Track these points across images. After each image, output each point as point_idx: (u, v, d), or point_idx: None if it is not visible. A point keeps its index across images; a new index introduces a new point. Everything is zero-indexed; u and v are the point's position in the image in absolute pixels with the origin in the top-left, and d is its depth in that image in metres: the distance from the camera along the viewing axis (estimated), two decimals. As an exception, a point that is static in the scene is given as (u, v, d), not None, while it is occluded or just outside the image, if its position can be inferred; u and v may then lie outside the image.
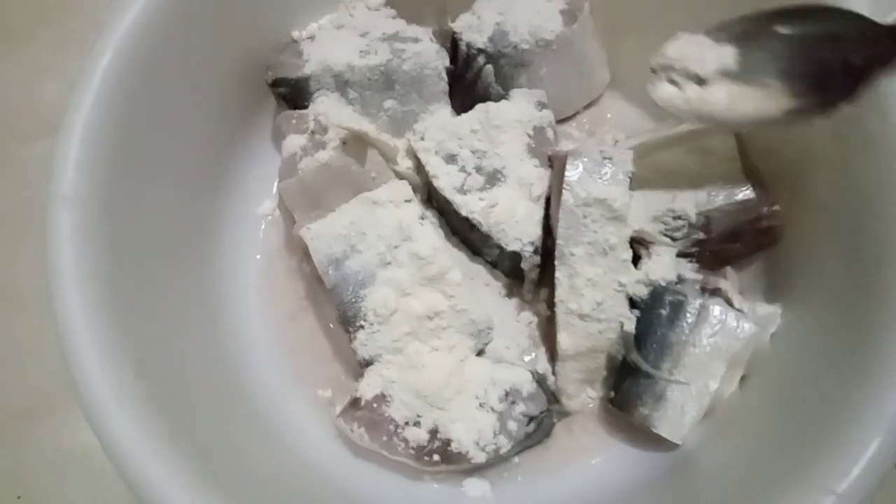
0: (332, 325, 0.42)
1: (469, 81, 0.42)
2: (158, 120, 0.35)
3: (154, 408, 0.29)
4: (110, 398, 0.28)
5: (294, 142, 0.39)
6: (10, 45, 0.51)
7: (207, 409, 0.34)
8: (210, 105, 0.39)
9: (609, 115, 0.46)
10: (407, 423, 0.36)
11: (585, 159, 0.36)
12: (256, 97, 0.43)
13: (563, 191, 0.36)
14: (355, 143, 0.39)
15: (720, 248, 0.38)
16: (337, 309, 0.37)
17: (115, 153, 0.32)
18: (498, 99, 0.41)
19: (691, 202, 0.36)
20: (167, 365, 0.32)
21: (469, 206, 0.39)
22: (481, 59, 0.41)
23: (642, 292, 0.37)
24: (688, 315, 0.36)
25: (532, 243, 0.38)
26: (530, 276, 0.40)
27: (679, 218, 0.37)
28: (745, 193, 0.36)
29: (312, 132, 0.39)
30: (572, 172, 0.36)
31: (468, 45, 0.41)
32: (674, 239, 0.37)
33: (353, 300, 0.37)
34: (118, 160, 0.32)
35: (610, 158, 0.36)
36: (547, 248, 0.39)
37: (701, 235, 0.37)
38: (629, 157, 0.36)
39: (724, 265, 0.38)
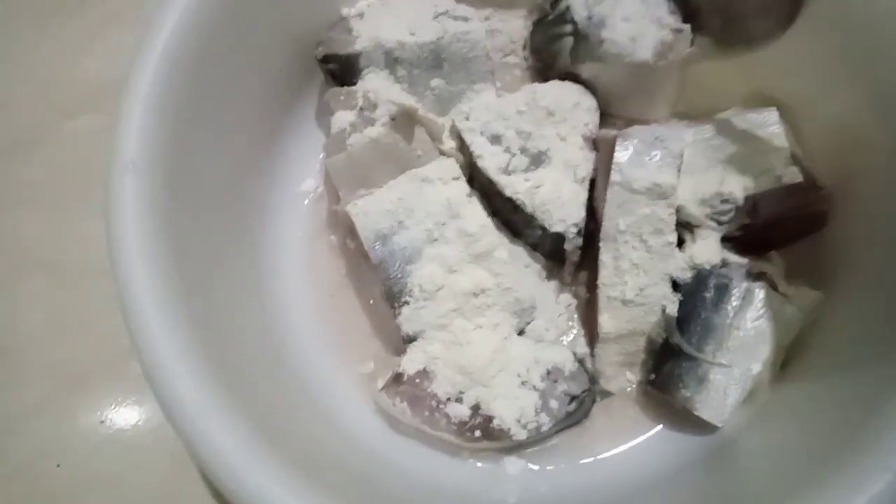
0: (371, 302, 0.42)
1: (549, 38, 0.42)
2: (213, 93, 0.36)
3: (212, 370, 0.29)
4: (172, 360, 0.28)
5: (343, 118, 0.40)
6: (52, 22, 0.51)
7: (256, 376, 0.34)
8: (260, 81, 0.40)
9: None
10: (449, 399, 0.37)
11: (636, 140, 0.36)
12: (303, 75, 0.43)
13: (612, 172, 0.36)
14: (404, 121, 0.39)
15: (766, 232, 0.38)
16: (383, 284, 0.38)
17: (174, 124, 0.32)
18: (561, 72, 0.41)
19: (739, 186, 0.37)
20: (221, 332, 0.33)
21: (514, 186, 0.39)
22: (568, 29, 0.40)
23: (686, 275, 0.37)
24: (732, 298, 0.36)
25: (576, 225, 0.38)
26: (572, 258, 0.40)
27: (727, 202, 0.37)
28: (794, 178, 0.36)
29: (361, 108, 0.39)
30: (622, 154, 0.36)
31: (568, 8, 0.40)
32: (720, 223, 0.37)
33: (400, 276, 0.37)
34: (177, 131, 0.33)
35: (662, 140, 0.36)
36: (589, 231, 0.39)
37: (747, 220, 0.37)
38: (681, 141, 0.36)
39: (768, 250, 0.38)
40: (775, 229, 0.38)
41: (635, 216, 0.36)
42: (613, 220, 0.37)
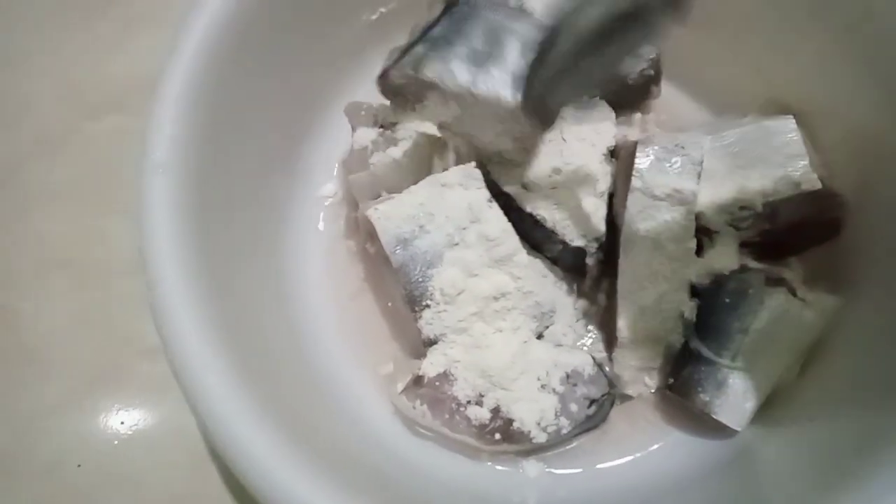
0: (390, 305, 0.42)
1: None
2: (242, 96, 0.36)
3: (239, 368, 0.29)
4: (201, 357, 0.29)
5: (365, 135, 0.40)
6: (78, 23, 0.52)
7: (280, 375, 0.35)
8: (288, 85, 0.40)
9: (666, 109, 0.45)
10: (469, 402, 0.37)
11: (656, 147, 0.37)
12: (328, 83, 0.44)
13: (633, 178, 0.37)
14: (425, 143, 0.40)
15: (785, 238, 0.38)
16: (404, 288, 0.38)
17: (204, 125, 0.33)
18: None
19: (758, 193, 0.37)
20: (246, 331, 0.33)
21: (533, 202, 0.39)
22: None
23: (704, 281, 0.38)
24: (751, 303, 0.37)
25: (597, 239, 0.39)
26: (592, 272, 0.40)
27: (745, 208, 0.37)
28: (813, 185, 0.37)
29: (382, 126, 0.40)
30: (642, 160, 0.37)
31: None
32: (738, 229, 0.38)
33: (421, 280, 0.38)
34: (207, 132, 0.33)
35: (682, 147, 0.36)
36: (609, 243, 0.40)
37: (767, 226, 0.37)
38: (701, 148, 0.37)
39: (786, 255, 0.39)
40: (793, 235, 0.38)
41: (655, 222, 0.37)
42: (633, 226, 0.37)
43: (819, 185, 0.36)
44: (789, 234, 0.38)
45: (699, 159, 0.36)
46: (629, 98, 0.43)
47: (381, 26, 0.44)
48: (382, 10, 0.44)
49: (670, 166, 0.36)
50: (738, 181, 0.37)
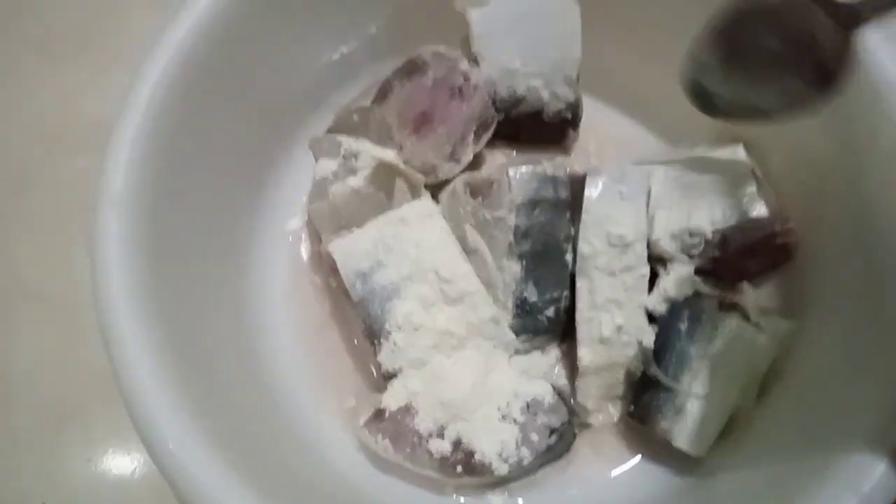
0: (356, 342, 0.43)
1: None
2: (201, 133, 0.37)
3: (196, 408, 0.30)
4: (156, 399, 0.29)
5: (326, 166, 0.41)
6: (54, 65, 0.53)
7: (242, 413, 0.35)
8: (248, 123, 0.41)
9: (619, 139, 0.47)
10: (430, 435, 0.37)
11: (605, 178, 0.37)
12: (291, 120, 0.45)
13: (583, 209, 0.37)
14: (384, 173, 0.41)
15: (736, 264, 0.39)
16: (363, 322, 0.39)
17: (161, 162, 0.34)
18: None
19: (707, 220, 0.38)
20: (205, 369, 0.33)
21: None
22: None
23: (661, 308, 0.38)
24: (705, 329, 0.37)
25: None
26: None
27: (696, 236, 0.38)
28: (759, 211, 0.37)
29: (344, 157, 0.41)
30: (592, 191, 0.38)
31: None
32: (691, 256, 0.38)
33: (379, 313, 0.38)
34: (164, 169, 0.34)
35: (629, 178, 0.37)
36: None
37: (717, 252, 0.38)
38: (646, 176, 0.37)
39: (740, 281, 0.39)
40: (745, 261, 0.39)
41: (607, 253, 0.37)
42: (587, 256, 0.38)
43: (766, 212, 0.37)
44: (742, 260, 0.39)
45: (646, 188, 0.37)
46: (545, 135, 0.45)
47: (342, 65, 0.46)
48: (343, 50, 0.45)
49: (619, 196, 0.37)
50: (688, 209, 0.38)
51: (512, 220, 0.38)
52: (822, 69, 0.31)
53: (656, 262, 0.39)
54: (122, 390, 0.29)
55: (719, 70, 0.34)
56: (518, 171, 0.38)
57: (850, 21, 0.30)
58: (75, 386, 0.43)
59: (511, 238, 0.38)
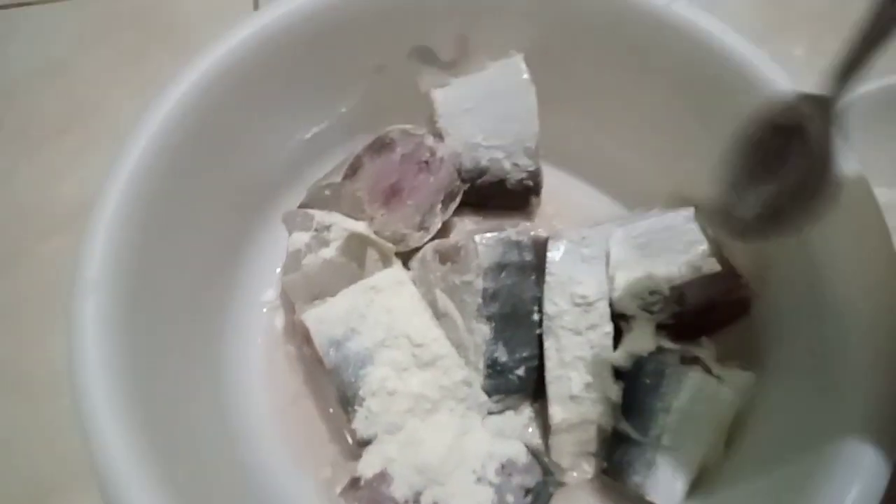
0: (331, 410, 0.43)
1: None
2: (178, 217, 0.38)
3: (172, 485, 0.30)
4: (130, 478, 0.29)
5: (299, 238, 0.43)
6: (31, 149, 0.55)
7: (216, 488, 0.34)
8: (225, 204, 0.43)
9: (578, 204, 0.49)
10: (407, 502, 0.37)
11: (566, 241, 0.39)
12: (265, 196, 0.46)
13: (546, 272, 0.39)
14: (356, 243, 0.42)
15: (696, 319, 0.40)
16: (337, 389, 0.39)
17: (137, 244, 0.35)
18: None
19: (664, 278, 0.40)
20: (180, 445, 0.33)
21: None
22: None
23: (626, 363, 0.40)
24: (669, 383, 0.38)
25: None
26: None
27: (655, 293, 0.40)
28: (713, 268, 0.39)
29: (316, 230, 0.42)
30: (554, 254, 0.40)
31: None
32: (651, 312, 0.40)
33: (353, 380, 0.39)
34: (139, 251, 0.35)
35: (589, 240, 0.39)
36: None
37: (676, 308, 0.40)
38: (605, 238, 0.40)
39: (700, 335, 0.41)
40: (704, 316, 0.41)
41: (571, 312, 0.39)
42: (552, 317, 0.39)
43: (718, 268, 0.39)
44: (701, 314, 0.41)
45: (605, 250, 0.39)
46: (509, 202, 0.47)
47: (315, 143, 0.48)
48: (315, 129, 0.48)
49: (580, 258, 0.39)
50: (646, 268, 0.40)
51: (480, 283, 0.40)
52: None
53: (620, 319, 0.41)
54: (97, 472, 0.29)
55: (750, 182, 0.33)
56: (484, 238, 0.40)
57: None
58: (48, 468, 0.43)
59: (480, 301, 0.40)
